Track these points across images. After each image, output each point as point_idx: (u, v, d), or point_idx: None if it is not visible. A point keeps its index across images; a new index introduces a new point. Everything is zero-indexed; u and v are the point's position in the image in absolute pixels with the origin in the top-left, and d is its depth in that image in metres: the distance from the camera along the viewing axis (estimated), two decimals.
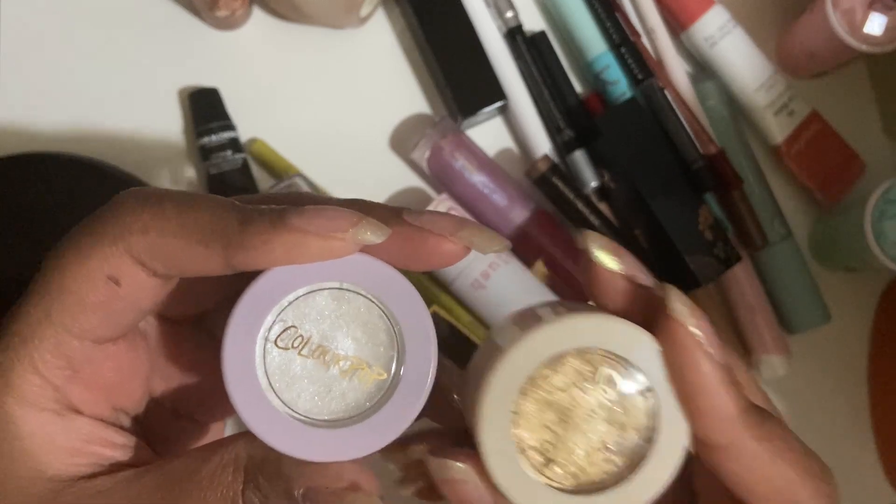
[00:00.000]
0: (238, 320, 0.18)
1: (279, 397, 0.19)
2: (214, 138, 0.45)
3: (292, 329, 0.19)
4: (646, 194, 0.45)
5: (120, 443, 0.21)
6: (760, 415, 0.19)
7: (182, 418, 0.24)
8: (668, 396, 0.19)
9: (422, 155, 0.46)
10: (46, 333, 0.19)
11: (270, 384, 0.19)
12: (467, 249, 0.19)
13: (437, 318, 0.44)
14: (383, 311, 0.19)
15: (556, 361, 0.19)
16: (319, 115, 0.48)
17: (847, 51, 0.45)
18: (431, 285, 0.46)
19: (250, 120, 0.47)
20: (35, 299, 0.19)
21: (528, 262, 0.46)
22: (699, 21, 0.48)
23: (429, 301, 0.46)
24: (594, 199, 0.48)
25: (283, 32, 0.49)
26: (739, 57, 0.48)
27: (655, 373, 0.19)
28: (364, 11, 0.47)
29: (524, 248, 0.46)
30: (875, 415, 0.49)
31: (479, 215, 0.46)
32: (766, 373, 0.48)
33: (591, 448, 0.19)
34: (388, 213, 0.19)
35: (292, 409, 0.19)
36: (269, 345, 0.19)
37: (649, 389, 0.19)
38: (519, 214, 0.46)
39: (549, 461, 0.19)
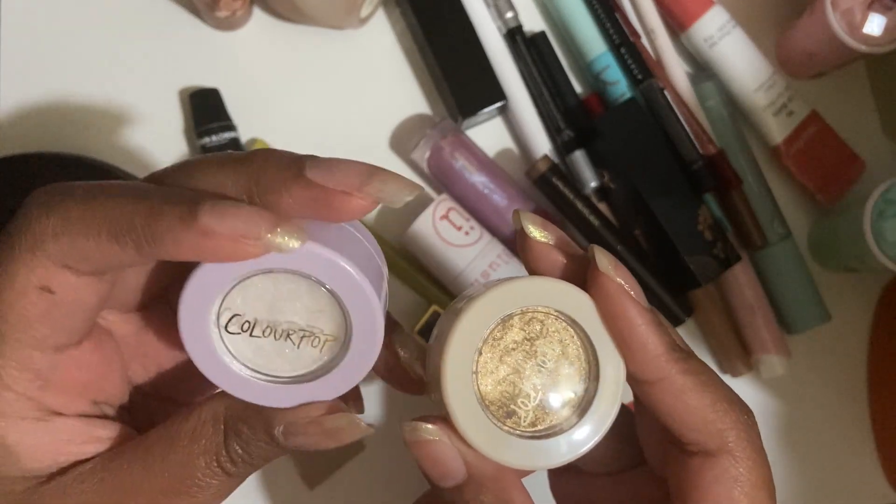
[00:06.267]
0: (186, 313, 0.19)
1: (246, 366, 0.20)
2: (215, 138, 0.45)
3: (237, 317, 0.20)
4: (646, 194, 0.45)
5: (105, 436, 0.21)
6: (684, 352, 0.21)
7: (167, 401, 0.25)
8: (605, 342, 0.21)
9: (422, 155, 0.46)
10: (6, 351, 0.19)
11: (235, 358, 0.20)
12: (376, 201, 0.20)
13: (437, 317, 0.44)
14: (319, 283, 0.20)
15: (505, 322, 0.21)
16: (319, 115, 0.48)
17: (846, 51, 0.45)
18: (431, 285, 0.46)
19: (250, 120, 0.47)
20: None
21: None
22: (699, 21, 0.48)
23: (429, 301, 0.46)
24: (594, 199, 0.48)
25: (283, 33, 0.49)
26: (739, 57, 0.48)
27: (592, 322, 0.21)
28: (364, 12, 0.47)
29: None
30: (875, 415, 0.49)
31: (479, 215, 0.46)
32: (766, 373, 0.48)
33: (544, 397, 0.21)
34: (289, 173, 0.19)
35: (259, 372, 0.20)
36: (222, 331, 0.20)
37: (588, 339, 0.21)
38: None
39: (510, 412, 0.21)
